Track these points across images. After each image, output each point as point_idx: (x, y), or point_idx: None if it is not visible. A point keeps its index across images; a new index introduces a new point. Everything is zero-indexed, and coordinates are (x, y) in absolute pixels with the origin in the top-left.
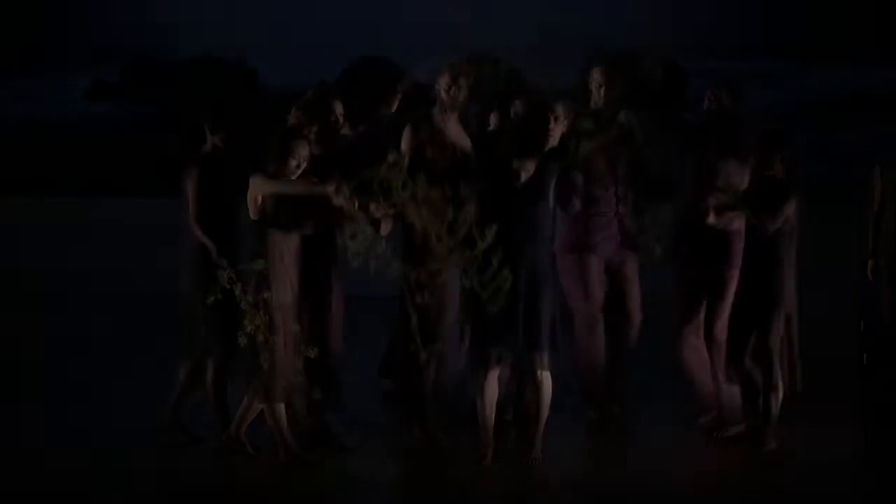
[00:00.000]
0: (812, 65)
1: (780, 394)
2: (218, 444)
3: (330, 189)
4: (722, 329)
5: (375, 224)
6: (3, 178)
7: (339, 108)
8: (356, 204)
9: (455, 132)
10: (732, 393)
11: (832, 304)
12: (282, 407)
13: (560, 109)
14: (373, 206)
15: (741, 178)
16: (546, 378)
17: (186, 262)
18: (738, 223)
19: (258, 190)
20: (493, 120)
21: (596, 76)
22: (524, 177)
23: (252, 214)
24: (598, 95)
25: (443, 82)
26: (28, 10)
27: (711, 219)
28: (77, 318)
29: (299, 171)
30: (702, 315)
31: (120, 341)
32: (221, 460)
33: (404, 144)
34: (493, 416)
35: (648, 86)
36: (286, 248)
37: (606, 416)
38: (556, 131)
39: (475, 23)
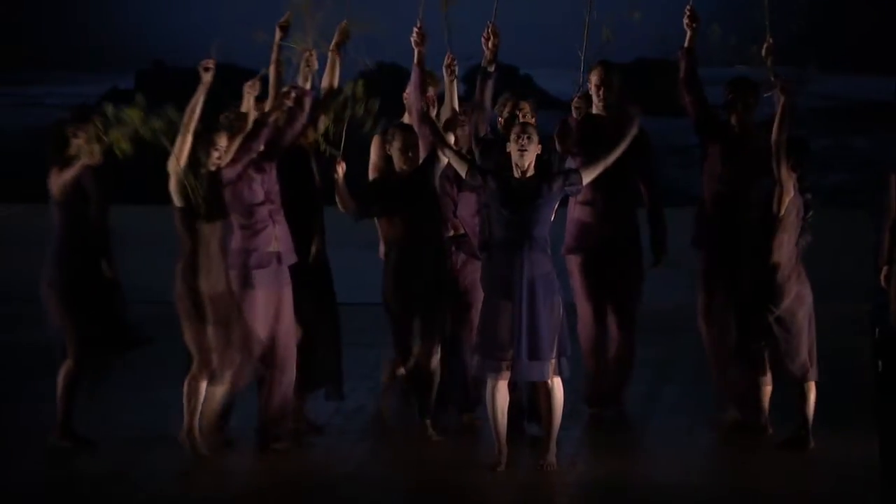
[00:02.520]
0: (828, 72)
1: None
2: (51, 442)
3: (207, 74)
4: None
5: None
6: (16, 184)
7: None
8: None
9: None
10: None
11: (848, 311)
12: (203, 390)
13: (528, 107)
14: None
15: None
16: (557, 384)
17: (49, 261)
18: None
19: (173, 168)
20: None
21: (593, 78)
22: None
23: (176, 202)
24: (597, 97)
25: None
26: (42, 16)
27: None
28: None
29: (221, 162)
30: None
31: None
32: (218, 465)
33: (373, 153)
34: (505, 422)
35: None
36: (212, 237)
37: (609, 416)
38: None
39: (473, 25)
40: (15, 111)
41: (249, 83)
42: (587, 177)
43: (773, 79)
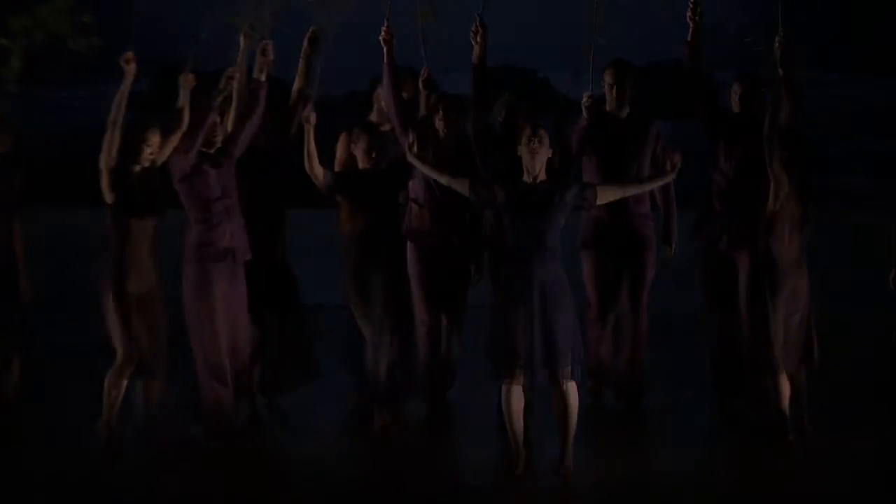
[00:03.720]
0: (847, 74)
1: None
2: None
3: (129, 66)
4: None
5: None
6: (40, 187)
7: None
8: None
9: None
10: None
11: (867, 314)
12: (124, 385)
13: (527, 109)
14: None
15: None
16: (572, 389)
17: None
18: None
19: (103, 165)
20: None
21: (606, 77)
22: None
23: (107, 198)
24: (610, 96)
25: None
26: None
27: None
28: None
29: (152, 158)
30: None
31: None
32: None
33: (339, 150)
34: (521, 425)
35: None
36: (142, 234)
37: (613, 402)
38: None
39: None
40: (36, 116)
41: (183, 76)
42: (602, 198)
43: (780, 74)
